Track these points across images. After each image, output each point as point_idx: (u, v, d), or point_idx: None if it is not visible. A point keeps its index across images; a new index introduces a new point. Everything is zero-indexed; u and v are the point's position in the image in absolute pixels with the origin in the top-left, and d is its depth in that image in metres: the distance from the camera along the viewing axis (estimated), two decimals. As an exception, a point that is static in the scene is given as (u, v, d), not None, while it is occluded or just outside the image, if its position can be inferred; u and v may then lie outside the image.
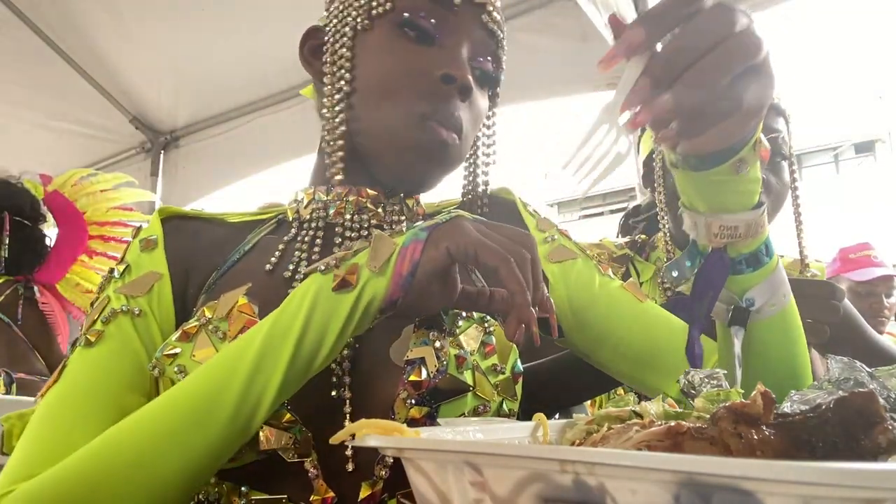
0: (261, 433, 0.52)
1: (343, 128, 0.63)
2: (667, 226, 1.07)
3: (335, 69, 0.65)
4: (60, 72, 2.38)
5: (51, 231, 1.73)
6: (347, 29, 0.65)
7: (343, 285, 0.49)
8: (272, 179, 2.65)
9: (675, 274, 0.59)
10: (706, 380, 0.45)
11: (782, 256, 1.14)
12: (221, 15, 2.15)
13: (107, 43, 2.33)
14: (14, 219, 1.62)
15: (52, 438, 0.52)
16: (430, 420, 0.55)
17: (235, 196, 2.72)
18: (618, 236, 1.34)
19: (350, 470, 0.55)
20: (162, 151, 2.75)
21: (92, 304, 0.63)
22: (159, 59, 2.40)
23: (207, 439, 0.47)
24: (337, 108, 0.64)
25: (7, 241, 1.60)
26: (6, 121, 2.54)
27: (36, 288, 1.64)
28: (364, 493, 0.55)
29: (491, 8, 0.66)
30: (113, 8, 2.18)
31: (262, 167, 2.62)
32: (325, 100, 0.65)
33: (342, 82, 0.64)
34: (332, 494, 0.54)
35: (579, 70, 1.99)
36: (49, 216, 1.73)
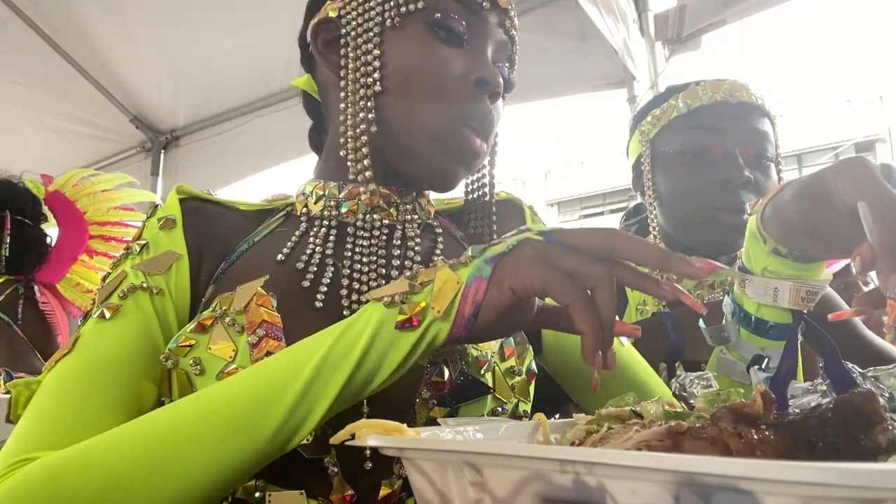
0: None
1: (370, 126, 0.62)
2: (656, 229, 1.07)
3: (359, 65, 0.63)
4: (61, 71, 2.38)
5: (51, 230, 1.73)
6: (372, 24, 0.63)
7: (406, 325, 0.47)
8: (273, 178, 2.65)
9: (724, 335, 0.65)
10: (696, 381, 0.45)
11: None
12: (221, 15, 2.15)
13: (107, 43, 2.33)
14: (15, 218, 1.62)
15: (70, 410, 0.51)
16: None
17: (236, 195, 2.72)
18: None
19: (368, 468, 0.55)
20: (162, 151, 2.76)
21: (104, 280, 0.61)
22: (159, 59, 2.40)
23: (244, 451, 0.45)
24: (362, 104, 0.62)
25: (8, 241, 1.60)
26: (7, 120, 2.54)
27: (36, 287, 1.64)
28: (384, 491, 0.54)
29: (512, 13, 0.68)
30: (113, 8, 2.18)
31: (262, 166, 2.63)
32: (346, 95, 0.63)
33: (369, 79, 0.62)
34: (351, 492, 0.54)
35: (579, 70, 1.99)
36: (50, 216, 1.73)
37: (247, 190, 2.77)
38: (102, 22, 2.24)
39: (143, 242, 0.61)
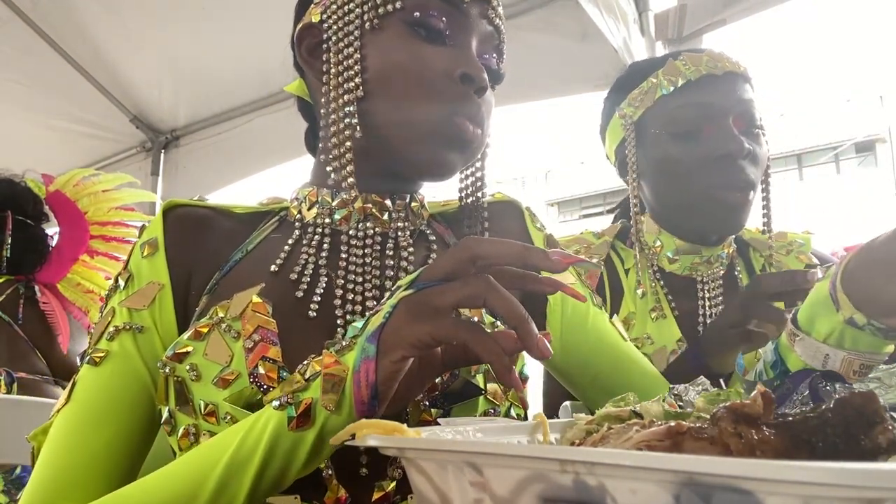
0: None
1: (352, 131, 0.61)
2: (641, 213, 1.04)
3: (341, 70, 0.62)
4: (61, 71, 2.38)
5: (52, 230, 1.73)
6: (352, 27, 0.62)
7: (300, 425, 0.46)
8: (273, 178, 2.65)
9: (764, 379, 0.62)
10: (690, 388, 0.45)
11: (761, 231, 1.09)
12: (221, 15, 2.15)
13: (107, 42, 2.33)
14: (17, 218, 1.62)
15: (65, 464, 0.55)
16: None
17: (236, 195, 2.72)
18: None
19: (363, 472, 0.55)
20: (162, 151, 2.75)
21: (101, 312, 0.63)
22: (159, 59, 2.40)
23: None
24: (347, 110, 0.61)
25: (9, 241, 1.60)
26: (6, 120, 2.54)
27: (37, 287, 1.64)
28: (377, 494, 0.55)
29: (496, 3, 0.66)
30: (114, 7, 2.18)
31: (262, 166, 2.62)
32: (329, 101, 0.62)
33: (351, 84, 0.61)
34: (344, 494, 0.54)
35: (579, 70, 1.99)
36: (51, 216, 1.73)
37: (247, 190, 2.77)
38: (102, 22, 2.24)
39: (128, 275, 0.63)
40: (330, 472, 0.54)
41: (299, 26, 0.68)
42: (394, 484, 0.55)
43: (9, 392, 1.42)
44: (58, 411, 0.58)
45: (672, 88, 0.98)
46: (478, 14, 0.65)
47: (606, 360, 0.72)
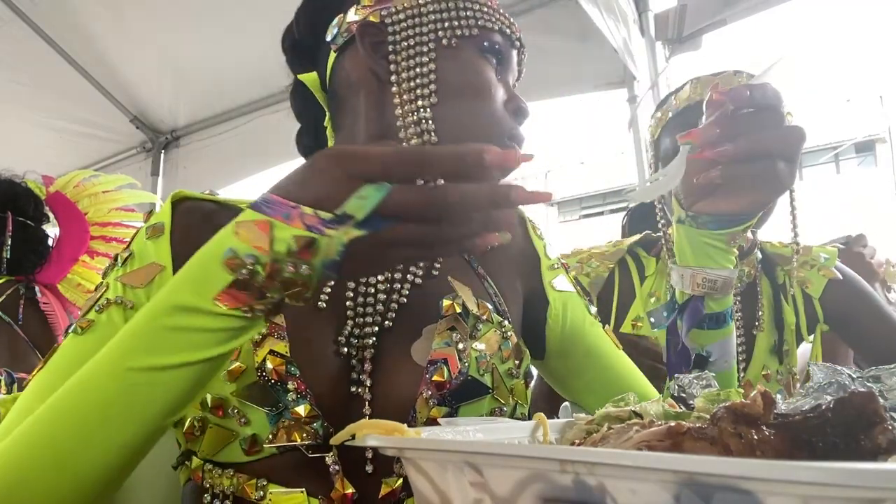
0: (280, 427, 0.53)
1: (430, 136, 0.63)
2: (665, 224, 1.08)
3: (413, 75, 0.64)
4: (61, 71, 2.38)
5: (52, 231, 1.73)
6: (426, 39, 0.65)
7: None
8: (273, 178, 2.65)
9: (652, 321, 0.72)
10: (695, 381, 0.45)
11: (787, 245, 1.17)
12: (221, 15, 2.15)
13: (108, 42, 2.33)
14: (17, 219, 1.62)
15: None
16: None
17: (236, 195, 2.72)
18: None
19: (369, 469, 0.55)
20: (162, 151, 2.76)
21: (97, 289, 0.62)
22: (160, 59, 2.40)
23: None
24: (421, 114, 0.64)
25: (9, 242, 1.60)
26: (6, 120, 2.54)
27: (37, 288, 1.64)
28: (384, 490, 0.55)
29: (524, 53, 0.74)
30: (114, 8, 2.18)
31: (262, 166, 2.63)
32: (401, 102, 0.64)
33: (426, 90, 0.64)
34: (351, 490, 0.54)
35: (579, 70, 1.99)
36: (51, 217, 1.73)
37: (247, 190, 2.77)
38: (103, 22, 2.24)
39: (129, 253, 0.62)
40: (337, 467, 0.54)
41: (359, 22, 0.67)
42: (400, 480, 0.55)
43: (9, 392, 1.42)
44: (32, 377, 0.56)
45: (677, 111, 1.07)
46: (517, 55, 0.72)
47: (601, 362, 0.74)
